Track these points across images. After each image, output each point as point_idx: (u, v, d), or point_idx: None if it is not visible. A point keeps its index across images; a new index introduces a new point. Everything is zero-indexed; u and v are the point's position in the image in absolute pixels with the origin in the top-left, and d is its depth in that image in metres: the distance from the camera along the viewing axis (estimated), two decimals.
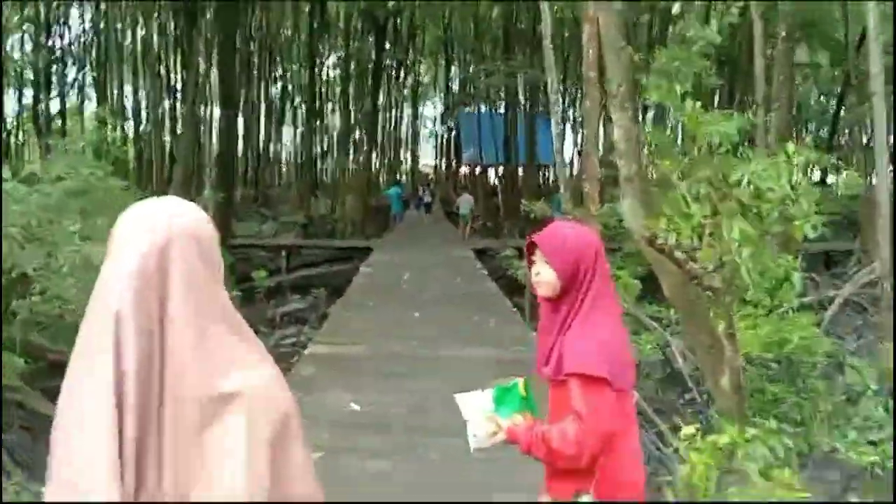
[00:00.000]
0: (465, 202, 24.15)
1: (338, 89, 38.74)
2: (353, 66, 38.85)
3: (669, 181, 4.73)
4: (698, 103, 4.77)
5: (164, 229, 1.15)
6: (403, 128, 49.24)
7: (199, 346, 1.12)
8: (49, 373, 6.19)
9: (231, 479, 1.08)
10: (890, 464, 4.22)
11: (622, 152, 5.20)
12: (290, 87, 39.24)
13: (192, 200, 1.27)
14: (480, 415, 2.14)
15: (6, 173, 6.11)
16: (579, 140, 42.53)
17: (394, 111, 45.57)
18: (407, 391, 6.07)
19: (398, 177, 44.76)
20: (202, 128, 18.06)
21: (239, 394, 1.12)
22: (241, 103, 36.85)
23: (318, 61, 33.62)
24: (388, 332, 8.55)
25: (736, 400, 4.37)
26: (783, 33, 8.67)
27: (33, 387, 6.14)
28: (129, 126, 29.56)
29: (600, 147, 29.21)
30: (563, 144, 9.20)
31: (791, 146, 3.61)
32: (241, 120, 37.56)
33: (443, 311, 10.00)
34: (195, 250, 1.17)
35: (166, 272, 1.13)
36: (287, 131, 41.79)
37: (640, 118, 5.51)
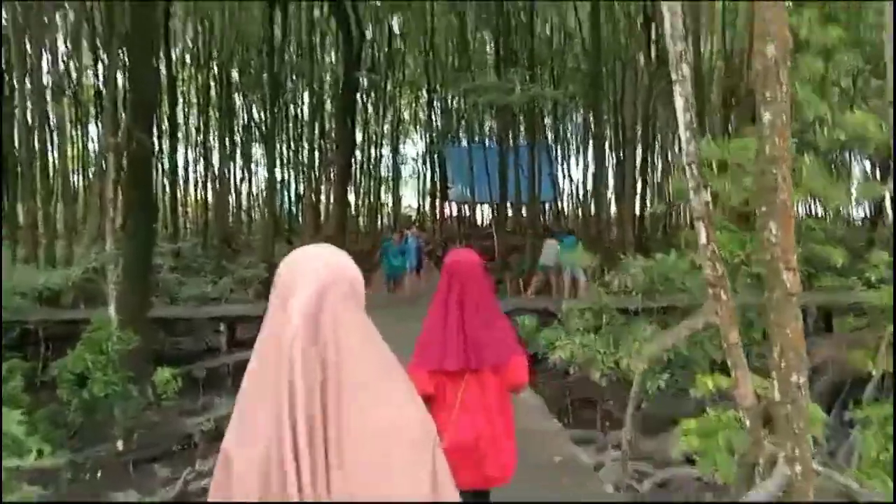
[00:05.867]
0: (549, 246, 16.64)
1: (307, 125, 35.12)
2: (327, 99, 35.48)
3: None
4: None
5: (323, 276, 1.29)
6: (382, 167, 45.36)
7: (361, 377, 1.24)
8: None
9: None
10: None
11: None
12: (255, 125, 35.37)
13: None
14: None
15: None
16: (577, 170, 39.51)
17: (372, 149, 41.82)
18: None
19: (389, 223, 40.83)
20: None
21: (397, 426, 1.25)
22: (202, 141, 33.62)
23: (283, 93, 29.98)
24: None
25: None
26: None
27: None
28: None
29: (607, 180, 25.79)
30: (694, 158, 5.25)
31: None
32: (199, 160, 34.24)
33: None
34: (349, 293, 1.31)
35: (326, 312, 1.25)
36: (262, 172, 37.70)
37: None
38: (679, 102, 3.84)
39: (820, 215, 21.11)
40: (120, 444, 8.33)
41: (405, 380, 1.33)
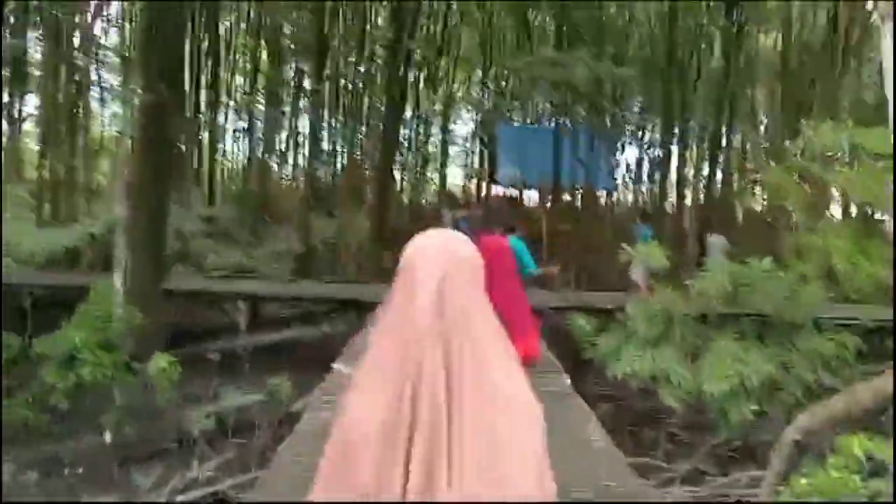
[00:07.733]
0: (715, 247, 14.54)
1: (356, 97, 33.87)
2: (377, 72, 34.22)
3: None
4: None
5: (449, 259, 1.37)
6: (430, 145, 43.82)
7: (482, 356, 1.29)
8: None
9: (526, 484, 1.22)
10: None
11: None
12: (303, 94, 34.24)
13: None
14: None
15: None
16: (635, 158, 37.43)
17: (421, 126, 40.36)
18: None
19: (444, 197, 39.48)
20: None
21: (515, 402, 1.29)
22: (248, 108, 32.64)
23: (331, 62, 28.75)
24: None
25: None
26: None
27: None
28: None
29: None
30: None
31: None
32: (244, 128, 33.21)
33: None
34: (471, 276, 1.39)
35: (452, 293, 1.32)
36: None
37: None
38: (888, 45, 2.47)
39: None
40: (108, 437, 7.25)
41: (517, 362, 1.37)
